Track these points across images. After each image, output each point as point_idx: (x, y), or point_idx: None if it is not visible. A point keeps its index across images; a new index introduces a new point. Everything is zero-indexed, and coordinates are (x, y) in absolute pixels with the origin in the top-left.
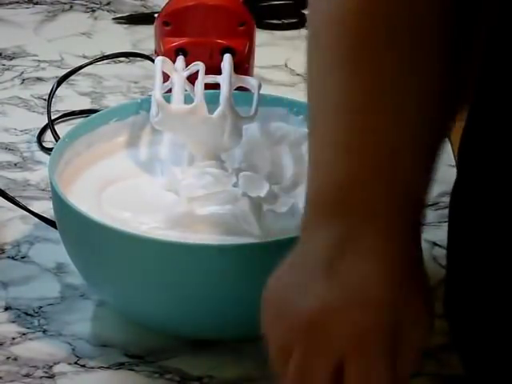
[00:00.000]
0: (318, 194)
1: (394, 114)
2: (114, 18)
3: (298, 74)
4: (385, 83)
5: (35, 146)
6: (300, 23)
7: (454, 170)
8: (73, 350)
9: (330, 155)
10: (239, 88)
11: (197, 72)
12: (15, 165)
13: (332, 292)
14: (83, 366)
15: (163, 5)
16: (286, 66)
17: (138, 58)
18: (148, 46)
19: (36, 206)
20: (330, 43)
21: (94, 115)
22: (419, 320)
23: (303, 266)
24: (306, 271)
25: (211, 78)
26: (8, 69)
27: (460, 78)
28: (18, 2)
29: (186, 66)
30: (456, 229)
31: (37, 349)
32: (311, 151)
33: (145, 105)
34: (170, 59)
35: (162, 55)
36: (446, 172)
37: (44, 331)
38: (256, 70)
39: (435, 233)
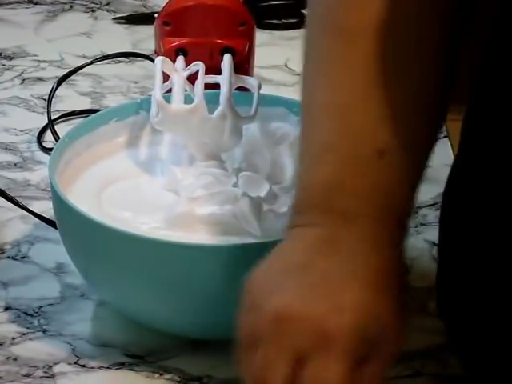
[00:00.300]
0: (304, 193)
1: (380, 113)
2: (114, 18)
3: (297, 74)
4: (373, 83)
5: (35, 146)
6: (300, 23)
7: None
8: (73, 350)
9: (314, 156)
10: (239, 88)
11: (197, 72)
12: (15, 165)
13: (304, 290)
14: (83, 366)
15: (163, 5)
16: (286, 66)
17: (138, 58)
18: (148, 46)
19: (36, 206)
20: (322, 43)
21: (93, 115)
22: (390, 329)
23: (281, 263)
24: (284, 269)
25: (211, 78)
26: (8, 69)
27: (450, 79)
28: (18, 2)
29: (186, 66)
30: (447, 228)
31: (37, 349)
32: (299, 151)
33: (145, 105)
34: (170, 59)
35: (162, 55)
36: (445, 172)
37: (44, 331)
38: (256, 70)
39: (435, 233)
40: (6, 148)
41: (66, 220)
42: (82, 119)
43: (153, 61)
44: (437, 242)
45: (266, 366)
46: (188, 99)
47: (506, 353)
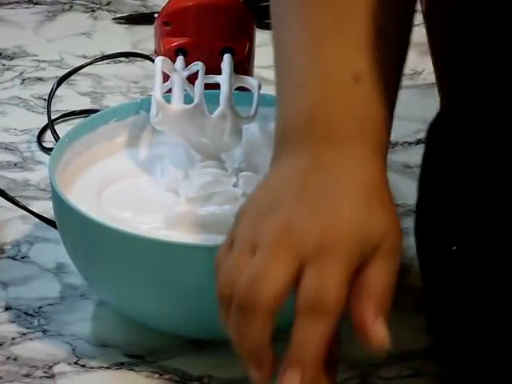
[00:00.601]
0: (286, 124)
1: (353, 41)
2: (113, 18)
3: None
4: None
5: (35, 146)
6: None
7: None
8: (73, 350)
9: (292, 89)
10: (239, 88)
11: (197, 72)
12: (15, 165)
13: (302, 210)
14: (83, 366)
15: (163, 5)
16: None
17: (138, 58)
18: (148, 46)
19: (36, 206)
20: None
21: (93, 115)
22: (388, 230)
23: (275, 189)
24: (278, 194)
25: (211, 78)
26: (8, 69)
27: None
28: (17, 2)
29: (186, 66)
30: (426, 189)
31: (37, 349)
32: (278, 92)
33: (145, 105)
34: (170, 59)
35: (162, 55)
36: None
37: (44, 331)
38: (256, 70)
39: None
40: (6, 148)
41: (66, 220)
42: (81, 119)
43: (153, 61)
44: None
45: (266, 265)
46: (188, 99)
47: (494, 350)
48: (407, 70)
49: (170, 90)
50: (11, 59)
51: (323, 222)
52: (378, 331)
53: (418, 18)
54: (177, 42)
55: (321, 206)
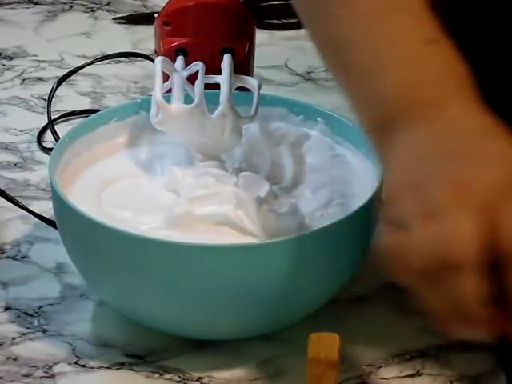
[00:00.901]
0: (379, 107)
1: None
2: (114, 18)
3: (297, 74)
4: None
5: (35, 146)
6: (300, 23)
7: None
8: (73, 350)
9: (372, 68)
10: (239, 88)
11: (197, 72)
12: (15, 165)
13: (464, 167)
14: (83, 366)
15: (163, 5)
16: (286, 66)
17: (138, 58)
18: (148, 46)
19: (36, 206)
20: None
21: (93, 115)
22: None
23: (418, 162)
24: (426, 164)
25: (211, 78)
26: (8, 69)
27: None
28: (17, 2)
29: (186, 66)
30: None
31: (37, 349)
32: (344, 77)
33: (145, 105)
34: (170, 59)
35: (162, 55)
36: None
37: (44, 331)
38: (256, 70)
39: None
40: (6, 148)
41: (66, 220)
42: (81, 119)
43: (153, 61)
44: None
45: (459, 224)
46: (188, 99)
47: None
48: None
49: (170, 90)
50: (11, 59)
51: (490, 174)
52: None
53: None
54: (177, 41)
55: (477, 161)
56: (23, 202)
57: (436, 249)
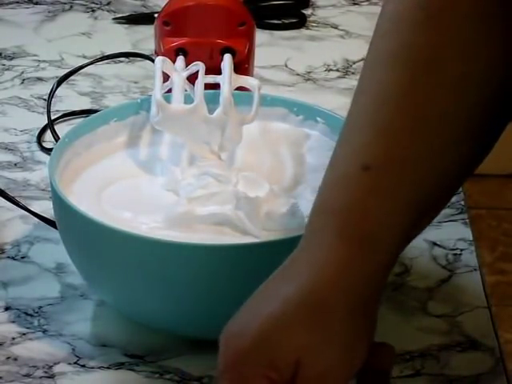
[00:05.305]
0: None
1: (380, 126)
2: (114, 18)
3: (297, 74)
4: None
5: (35, 146)
6: (300, 23)
7: None
8: (73, 349)
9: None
10: (239, 88)
11: (197, 72)
12: (15, 165)
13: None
14: (83, 366)
15: (163, 5)
16: (286, 66)
17: (138, 58)
18: (148, 46)
19: (36, 206)
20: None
21: (93, 115)
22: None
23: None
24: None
25: (211, 78)
26: (8, 69)
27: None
28: (17, 2)
29: (186, 66)
30: None
31: (37, 349)
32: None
33: (145, 105)
34: (170, 59)
35: (162, 55)
36: None
37: (44, 331)
38: (256, 70)
39: (435, 233)
40: (6, 148)
41: (66, 220)
42: (81, 119)
43: (153, 61)
44: (437, 242)
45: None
46: (188, 99)
47: None
48: None
49: (170, 90)
50: (11, 59)
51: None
52: None
53: None
54: (177, 41)
55: (250, 311)
56: (23, 202)
57: None
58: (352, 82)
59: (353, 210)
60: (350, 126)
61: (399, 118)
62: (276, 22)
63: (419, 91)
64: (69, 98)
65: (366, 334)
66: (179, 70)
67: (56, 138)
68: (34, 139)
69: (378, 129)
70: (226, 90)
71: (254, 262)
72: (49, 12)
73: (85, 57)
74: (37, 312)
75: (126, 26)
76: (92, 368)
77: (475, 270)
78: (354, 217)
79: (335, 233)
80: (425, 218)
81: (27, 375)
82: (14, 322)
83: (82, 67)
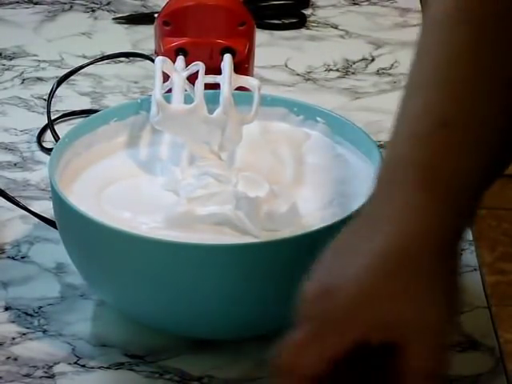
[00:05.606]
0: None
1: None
2: (114, 18)
3: (297, 74)
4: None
5: (35, 146)
6: (300, 23)
7: None
8: (73, 349)
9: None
10: (239, 88)
11: (197, 72)
12: (15, 165)
13: (318, 272)
14: (83, 366)
15: (163, 5)
16: (286, 66)
17: (138, 58)
18: (148, 46)
19: (36, 206)
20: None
21: (93, 115)
22: (408, 329)
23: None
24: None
25: (211, 78)
26: (8, 69)
27: None
28: (17, 2)
29: (186, 66)
30: None
31: (37, 349)
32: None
33: (145, 105)
34: (170, 59)
35: (162, 55)
36: None
37: (44, 331)
38: (256, 70)
39: None
40: (6, 148)
41: (66, 220)
42: (81, 119)
43: (153, 61)
44: None
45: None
46: (188, 99)
47: None
48: (407, 70)
49: (170, 90)
50: (11, 59)
51: (325, 290)
52: None
53: (418, 18)
54: (177, 42)
55: (333, 268)
56: (23, 202)
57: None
58: (352, 81)
59: (437, 165)
60: (418, 84)
61: (472, 74)
62: (276, 22)
63: (490, 48)
64: (69, 98)
65: (457, 290)
66: (179, 70)
67: (56, 138)
68: (34, 139)
69: (452, 85)
70: (226, 90)
71: (254, 262)
72: (49, 12)
73: (85, 57)
74: (37, 312)
75: (125, 26)
76: (92, 368)
77: (475, 269)
78: (438, 172)
79: (419, 186)
80: (497, 174)
81: (27, 375)
82: (13, 322)
83: (82, 67)
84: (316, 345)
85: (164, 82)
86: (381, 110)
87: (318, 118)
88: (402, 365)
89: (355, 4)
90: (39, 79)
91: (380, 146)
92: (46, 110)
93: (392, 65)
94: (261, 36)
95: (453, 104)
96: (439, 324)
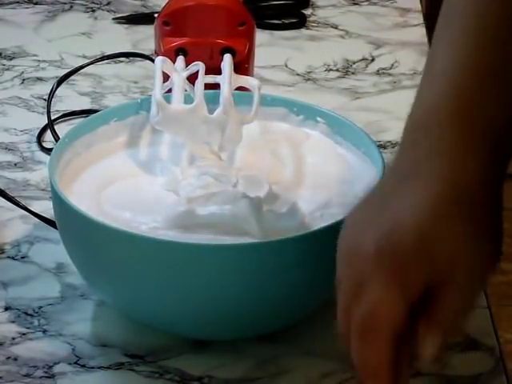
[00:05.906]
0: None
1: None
2: (114, 18)
3: (297, 74)
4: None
5: (35, 146)
6: (300, 23)
7: None
8: (73, 349)
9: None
10: (239, 88)
11: (197, 72)
12: (15, 165)
13: (385, 224)
14: (83, 366)
15: (163, 5)
16: (286, 66)
17: (138, 58)
18: (148, 46)
19: (36, 206)
20: None
21: (93, 115)
22: (461, 260)
23: (370, 201)
24: (371, 206)
25: (211, 78)
26: (8, 69)
27: None
28: (17, 2)
29: (186, 66)
30: None
31: (37, 349)
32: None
33: (145, 105)
34: (170, 59)
35: (162, 55)
36: None
37: (44, 331)
38: (256, 70)
39: None
40: (6, 148)
41: (66, 220)
42: (81, 119)
43: (153, 61)
44: None
45: (378, 303)
46: (188, 99)
47: None
48: (407, 70)
49: (170, 90)
50: (11, 59)
51: (415, 216)
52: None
53: (418, 18)
54: (177, 41)
55: (385, 209)
56: (23, 202)
57: (358, 318)
58: (352, 81)
59: (476, 116)
60: (447, 41)
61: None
62: (276, 22)
63: None
64: (69, 98)
65: (501, 239)
66: (179, 70)
67: (56, 138)
68: (34, 139)
69: (485, 37)
70: (226, 90)
71: (254, 262)
72: (49, 12)
73: (85, 57)
74: (37, 312)
75: (125, 26)
76: (92, 368)
77: None
78: (477, 122)
79: (468, 136)
80: None
81: (27, 375)
82: (13, 322)
83: (82, 67)
84: (395, 284)
85: (164, 81)
86: (381, 110)
87: (318, 118)
88: (437, 302)
89: (355, 4)
90: (39, 79)
91: (380, 146)
92: (46, 110)
93: (392, 65)
94: (261, 36)
95: (491, 55)
96: (483, 271)
